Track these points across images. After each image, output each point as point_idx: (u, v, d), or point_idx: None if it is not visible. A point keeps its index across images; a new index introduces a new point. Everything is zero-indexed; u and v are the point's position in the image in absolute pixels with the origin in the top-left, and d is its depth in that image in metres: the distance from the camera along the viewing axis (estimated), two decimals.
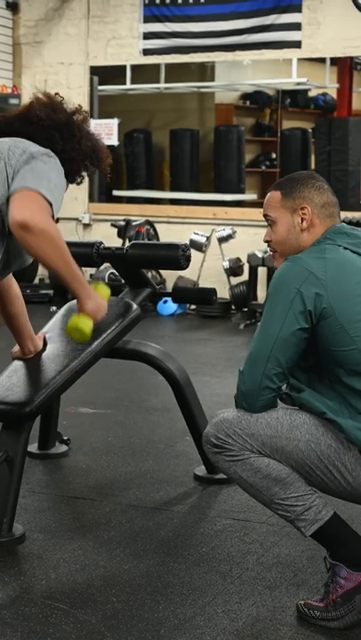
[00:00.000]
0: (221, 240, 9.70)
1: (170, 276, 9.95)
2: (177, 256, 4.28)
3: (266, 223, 3.15)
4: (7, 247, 3.22)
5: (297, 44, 9.77)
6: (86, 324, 3.26)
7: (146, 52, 10.54)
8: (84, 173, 3.53)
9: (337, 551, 2.97)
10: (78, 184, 3.57)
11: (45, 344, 3.95)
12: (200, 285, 9.70)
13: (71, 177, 3.45)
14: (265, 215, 3.12)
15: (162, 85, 11.11)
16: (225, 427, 2.97)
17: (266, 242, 3.13)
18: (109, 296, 3.43)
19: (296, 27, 9.73)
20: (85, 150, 3.43)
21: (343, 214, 9.27)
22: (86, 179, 3.75)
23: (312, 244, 3.01)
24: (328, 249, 2.96)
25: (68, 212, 9.85)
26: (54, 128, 3.35)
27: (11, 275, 3.63)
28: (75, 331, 3.28)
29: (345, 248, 2.98)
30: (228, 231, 9.70)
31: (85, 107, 10.65)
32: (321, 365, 2.95)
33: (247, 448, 2.95)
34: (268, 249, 3.18)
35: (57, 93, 3.50)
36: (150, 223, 10.09)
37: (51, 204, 3.02)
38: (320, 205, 3.04)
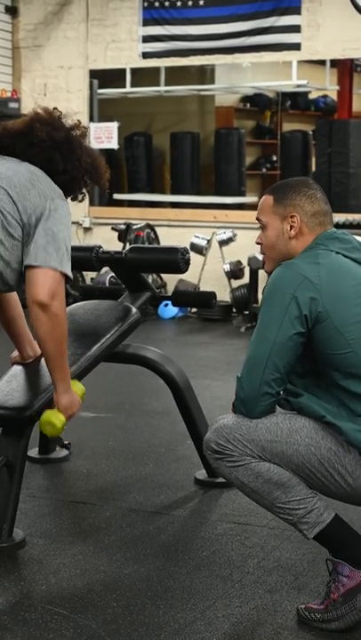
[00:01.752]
0: (222, 243, 9.69)
1: (171, 280, 9.94)
2: (176, 260, 4.28)
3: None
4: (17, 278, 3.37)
5: (296, 47, 9.76)
6: (59, 419, 3.46)
7: (145, 55, 10.53)
8: (85, 190, 3.59)
9: (340, 552, 2.97)
10: (80, 201, 3.68)
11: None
12: (201, 288, 9.69)
13: (73, 195, 3.57)
14: (257, 219, 3.14)
15: (162, 88, 11.09)
16: (225, 433, 2.97)
17: (257, 244, 3.15)
18: (84, 394, 3.62)
19: (295, 29, 9.71)
20: (85, 166, 3.54)
21: (344, 216, 9.33)
22: None
23: (304, 250, 3.02)
24: (321, 254, 2.97)
25: None
26: (55, 148, 3.44)
27: None
28: (47, 424, 3.46)
29: (337, 253, 2.99)
30: (228, 234, 9.70)
31: (85, 110, 10.79)
32: (317, 370, 2.96)
33: (248, 453, 2.95)
34: (259, 251, 3.19)
35: (55, 108, 3.57)
36: (151, 226, 10.08)
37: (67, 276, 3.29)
38: (310, 214, 3.05)
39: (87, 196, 3.71)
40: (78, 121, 3.59)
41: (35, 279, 3.24)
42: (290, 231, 3.05)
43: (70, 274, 3.30)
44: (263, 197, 3.14)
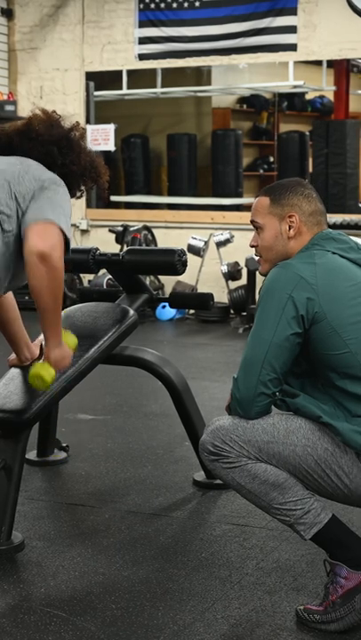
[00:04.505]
0: (219, 244, 9.69)
1: (168, 281, 9.94)
2: (173, 262, 4.28)
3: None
4: (13, 270, 3.28)
5: (293, 47, 9.75)
6: (49, 373, 3.35)
7: (142, 56, 10.53)
8: (83, 188, 3.57)
9: (337, 553, 2.97)
10: (78, 198, 3.65)
11: (42, 351, 3.93)
12: (199, 290, 9.70)
13: (72, 191, 3.53)
14: (252, 221, 3.13)
15: (158, 90, 11.10)
16: (221, 434, 2.97)
17: (252, 246, 3.14)
18: (76, 346, 3.50)
19: (292, 29, 9.71)
20: (84, 164, 3.51)
21: (341, 217, 9.34)
22: None
23: (300, 250, 3.03)
24: (317, 254, 2.97)
25: None
26: (53, 143, 3.43)
27: None
28: (37, 378, 3.35)
29: (333, 253, 2.99)
30: (226, 235, 9.69)
31: (82, 112, 10.79)
32: (314, 370, 2.96)
33: (244, 454, 2.95)
34: (254, 253, 3.18)
35: (54, 111, 3.57)
36: (148, 228, 10.08)
37: (67, 238, 3.17)
38: (308, 214, 3.05)
39: (85, 196, 3.70)
40: (77, 122, 3.59)
41: (35, 231, 3.11)
42: (289, 231, 3.04)
43: (70, 237, 3.19)
44: (257, 199, 3.13)
